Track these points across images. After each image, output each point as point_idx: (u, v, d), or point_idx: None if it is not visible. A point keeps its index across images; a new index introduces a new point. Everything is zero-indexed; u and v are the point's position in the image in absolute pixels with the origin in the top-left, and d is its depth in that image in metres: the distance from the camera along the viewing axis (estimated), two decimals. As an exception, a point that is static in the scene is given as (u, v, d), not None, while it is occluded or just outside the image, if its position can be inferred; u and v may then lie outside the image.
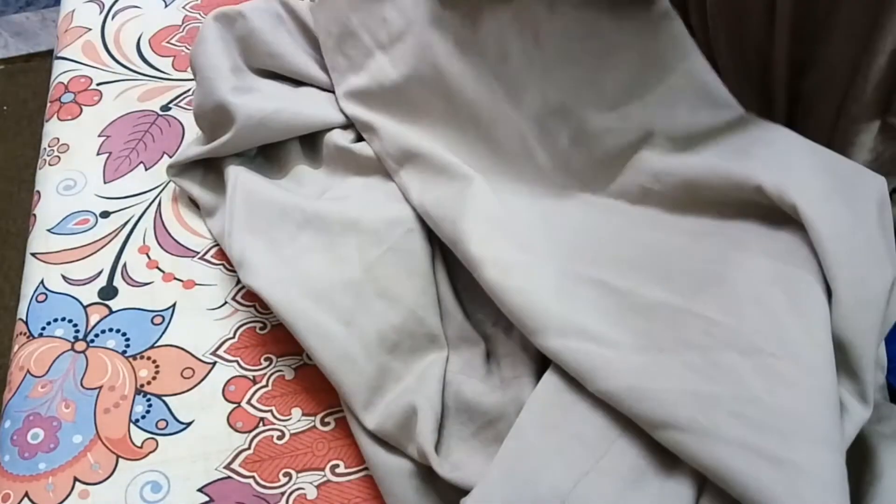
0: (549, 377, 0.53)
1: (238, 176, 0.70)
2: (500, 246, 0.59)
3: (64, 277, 0.70)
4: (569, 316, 0.54)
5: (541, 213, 0.63)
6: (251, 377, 0.64)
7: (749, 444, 0.44)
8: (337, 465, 0.60)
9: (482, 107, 0.66)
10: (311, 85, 0.77)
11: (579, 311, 0.54)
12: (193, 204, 0.75)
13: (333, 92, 0.76)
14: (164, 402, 0.63)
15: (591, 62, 0.63)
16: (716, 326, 0.50)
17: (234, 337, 0.66)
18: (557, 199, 0.64)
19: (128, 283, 0.70)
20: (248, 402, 0.63)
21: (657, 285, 0.54)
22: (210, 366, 0.65)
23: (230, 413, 0.62)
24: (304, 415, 0.62)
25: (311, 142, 0.76)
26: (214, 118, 0.73)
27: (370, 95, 0.72)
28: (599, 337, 0.52)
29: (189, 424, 0.62)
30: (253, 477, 0.59)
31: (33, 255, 0.72)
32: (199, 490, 0.59)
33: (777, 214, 0.53)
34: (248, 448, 0.61)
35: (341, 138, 0.73)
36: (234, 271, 0.66)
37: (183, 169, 0.75)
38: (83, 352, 0.65)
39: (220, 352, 0.66)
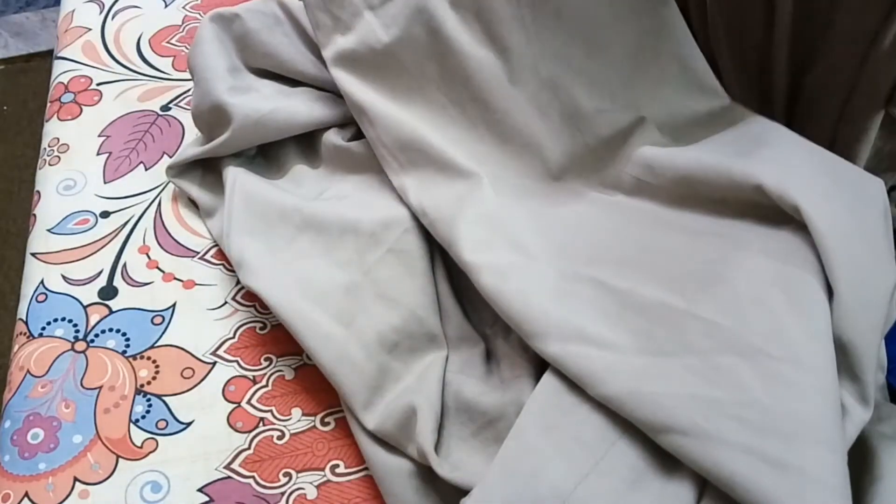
0: (549, 378, 0.53)
1: (237, 177, 0.70)
2: (496, 249, 0.59)
3: (64, 277, 0.70)
4: (568, 319, 0.54)
5: (537, 210, 0.63)
6: (251, 377, 0.64)
7: (751, 448, 0.44)
8: (337, 465, 0.60)
9: (477, 73, 0.65)
10: (309, 85, 0.76)
11: (578, 314, 0.54)
12: (193, 204, 0.75)
13: (330, 91, 0.76)
14: (164, 402, 0.63)
15: (582, 37, 0.63)
16: (716, 328, 0.50)
17: (234, 337, 0.66)
18: (553, 193, 0.64)
19: (128, 283, 0.70)
20: (248, 402, 0.63)
21: (656, 285, 0.54)
22: (210, 366, 0.65)
23: (230, 413, 0.62)
24: (304, 415, 0.62)
25: (309, 141, 0.76)
26: (212, 118, 0.73)
27: (359, 61, 0.69)
28: (599, 340, 0.52)
29: (189, 424, 0.62)
30: (253, 477, 0.59)
31: (33, 255, 0.72)
32: (199, 490, 0.59)
33: (776, 214, 0.53)
34: (248, 448, 0.61)
35: (338, 137, 0.73)
36: (234, 271, 0.66)
37: (182, 170, 0.75)
38: (83, 352, 0.65)
39: (220, 352, 0.66)
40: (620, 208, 0.61)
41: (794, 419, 0.45)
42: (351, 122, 0.74)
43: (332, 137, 0.73)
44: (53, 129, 0.82)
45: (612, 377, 0.50)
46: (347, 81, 0.69)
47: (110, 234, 0.73)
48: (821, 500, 0.42)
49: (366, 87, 0.69)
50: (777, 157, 0.56)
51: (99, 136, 0.81)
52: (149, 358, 0.65)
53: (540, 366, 0.57)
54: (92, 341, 0.66)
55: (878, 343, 0.50)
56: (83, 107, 0.84)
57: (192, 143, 0.77)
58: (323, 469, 0.60)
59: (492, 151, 0.65)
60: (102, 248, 0.72)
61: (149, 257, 0.71)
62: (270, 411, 0.62)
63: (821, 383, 0.46)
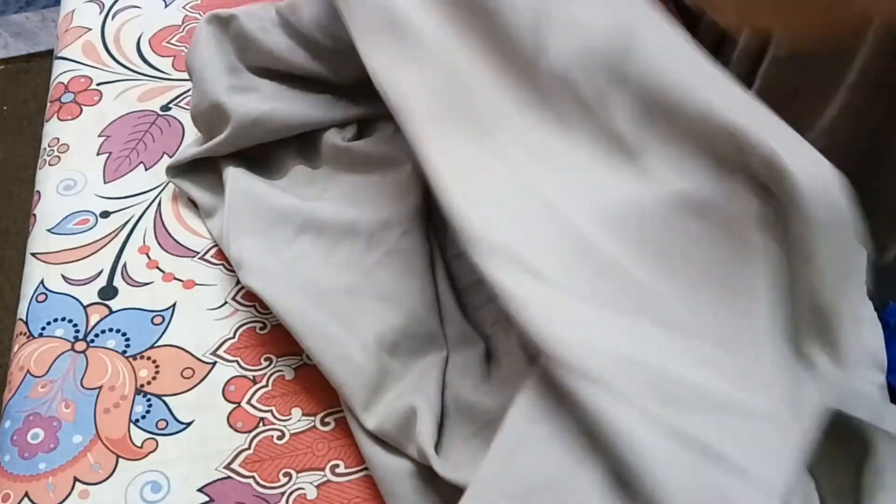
0: (537, 372, 0.53)
1: (236, 177, 0.70)
2: (472, 186, 0.53)
3: (64, 277, 0.70)
4: (513, 242, 0.49)
5: (543, 151, 0.59)
6: (251, 377, 0.64)
7: (672, 426, 0.42)
8: (337, 465, 0.60)
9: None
10: (309, 81, 0.76)
11: (530, 242, 0.50)
12: (193, 204, 0.75)
13: (330, 91, 0.75)
14: (164, 402, 0.63)
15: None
16: (678, 318, 0.48)
17: (234, 337, 0.66)
18: (566, 150, 0.61)
19: (128, 283, 0.70)
20: (248, 402, 0.63)
21: (638, 262, 0.49)
22: (210, 366, 0.65)
23: (230, 413, 0.62)
24: (304, 415, 0.62)
25: (309, 141, 0.76)
26: (210, 118, 0.73)
27: None
28: (543, 274, 0.48)
29: (189, 424, 0.62)
30: (253, 477, 0.59)
31: (33, 255, 0.72)
32: (199, 490, 0.59)
33: (766, 192, 0.51)
34: (248, 448, 0.61)
35: (339, 137, 0.73)
36: (234, 271, 0.66)
37: (182, 170, 0.74)
38: (83, 352, 0.65)
39: (220, 352, 0.66)
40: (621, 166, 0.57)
41: (731, 408, 0.43)
42: (351, 122, 0.75)
43: (332, 137, 0.73)
44: (53, 129, 0.82)
45: (544, 312, 0.46)
46: None
47: (110, 234, 0.73)
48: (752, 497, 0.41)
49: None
50: (761, 116, 0.53)
51: (99, 136, 0.81)
52: (149, 358, 0.65)
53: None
54: (92, 341, 0.66)
55: (856, 304, 0.47)
56: (83, 107, 0.84)
57: (191, 144, 0.77)
58: (323, 469, 0.60)
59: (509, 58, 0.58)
60: (102, 248, 0.72)
61: (149, 257, 0.71)
62: (270, 411, 0.62)
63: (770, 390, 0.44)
